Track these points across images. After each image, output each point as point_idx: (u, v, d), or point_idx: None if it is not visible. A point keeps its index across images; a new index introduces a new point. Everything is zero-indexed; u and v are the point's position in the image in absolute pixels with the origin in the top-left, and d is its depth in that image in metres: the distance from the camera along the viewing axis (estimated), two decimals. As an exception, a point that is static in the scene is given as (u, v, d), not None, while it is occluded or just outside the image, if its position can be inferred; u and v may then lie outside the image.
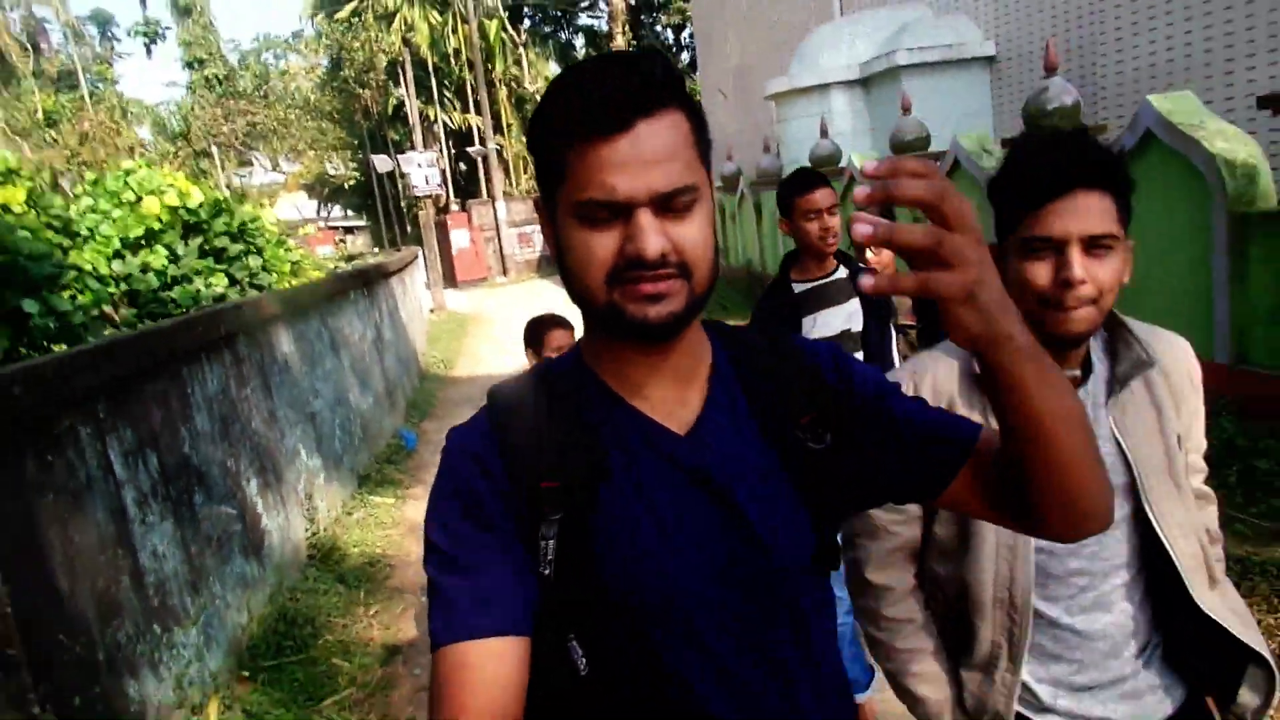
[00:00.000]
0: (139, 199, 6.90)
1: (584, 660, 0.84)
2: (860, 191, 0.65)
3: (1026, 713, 1.27)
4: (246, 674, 3.26)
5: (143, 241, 6.69)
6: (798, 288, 2.58)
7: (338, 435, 5.57)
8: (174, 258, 6.80)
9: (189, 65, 25.02)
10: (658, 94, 0.79)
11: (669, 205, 0.78)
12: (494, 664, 0.78)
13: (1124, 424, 1.25)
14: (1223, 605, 1.26)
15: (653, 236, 0.77)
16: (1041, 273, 1.16)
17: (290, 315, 5.12)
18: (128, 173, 7.09)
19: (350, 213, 37.97)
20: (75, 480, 2.55)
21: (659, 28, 30.01)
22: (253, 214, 7.56)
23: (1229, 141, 4.67)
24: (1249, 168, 4.59)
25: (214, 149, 21.40)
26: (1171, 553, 1.23)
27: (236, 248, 7.20)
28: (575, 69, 0.81)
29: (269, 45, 37.97)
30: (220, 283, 6.92)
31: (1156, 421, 1.27)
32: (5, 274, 4.27)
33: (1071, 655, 1.26)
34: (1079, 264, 1.14)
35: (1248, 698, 1.28)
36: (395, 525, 5.12)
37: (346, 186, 28.84)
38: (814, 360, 0.97)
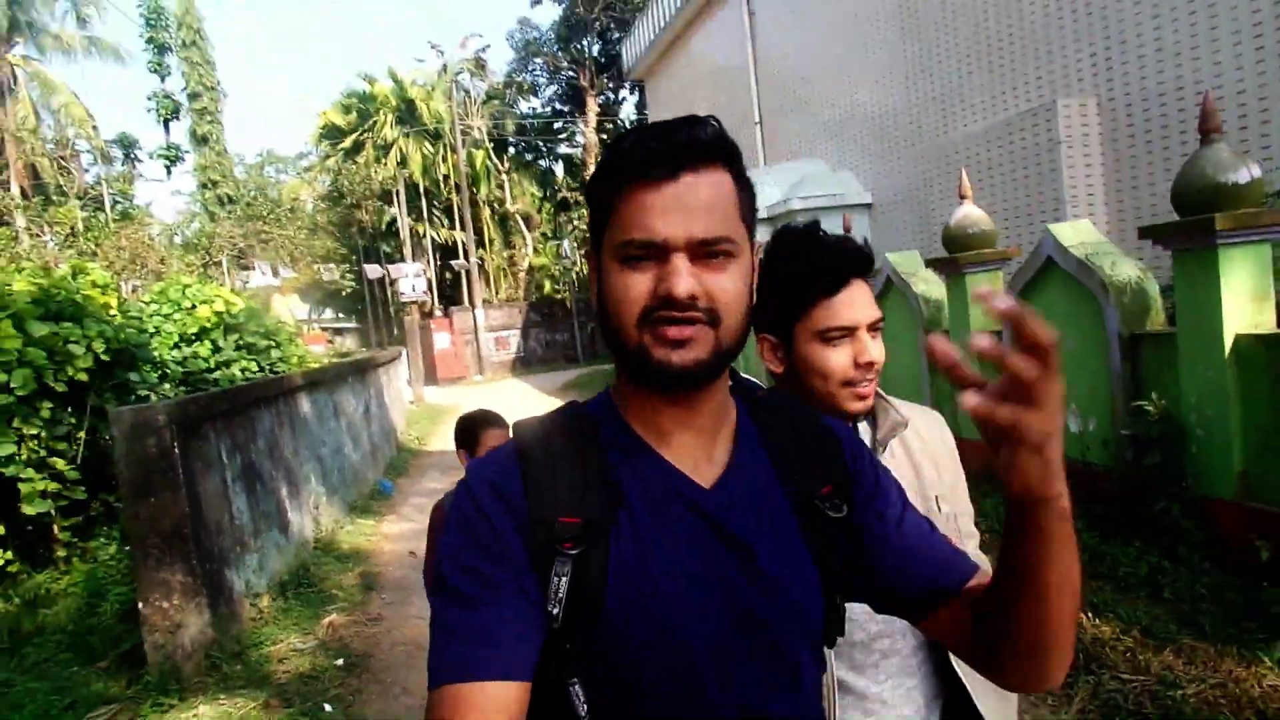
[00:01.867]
0: (193, 306, 9.31)
1: (584, 705, 0.83)
2: (997, 302, 0.64)
3: None
4: (280, 593, 5.43)
5: (195, 336, 9.06)
6: None
7: (335, 474, 7.82)
8: (216, 349, 9.16)
9: (203, 186, 28.19)
10: (706, 151, 0.84)
11: (705, 254, 0.82)
12: (494, 708, 0.77)
13: None
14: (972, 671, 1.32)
15: (684, 278, 0.81)
16: (840, 357, 1.29)
17: (309, 387, 7.45)
18: (185, 286, 9.52)
19: (340, 315, 40.70)
20: (208, 457, 4.84)
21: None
22: (276, 318, 10.00)
23: (927, 284, 7.19)
24: (937, 300, 7.09)
25: (223, 259, 24.05)
26: None
27: (264, 343, 9.59)
28: (635, 128, 0.88)
29: (271, 160, 41.57)
30: (251, 368, 9.27)
31: (916, 483, 1.39)
32: (120, 357, 6.61)
33: None
34: (872, 346, 1.30)
35: None
36: (375, 535, 7.33)
37: (344, 293, 31.64)
38: (834, 436, 1.00)
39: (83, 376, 5.97)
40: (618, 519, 0.86)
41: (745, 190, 0.88)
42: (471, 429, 2.74)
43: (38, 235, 17.68)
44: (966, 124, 11.24)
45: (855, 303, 1.29)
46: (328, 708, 3.95)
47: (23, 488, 5.58)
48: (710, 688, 0.85)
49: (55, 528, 6.08)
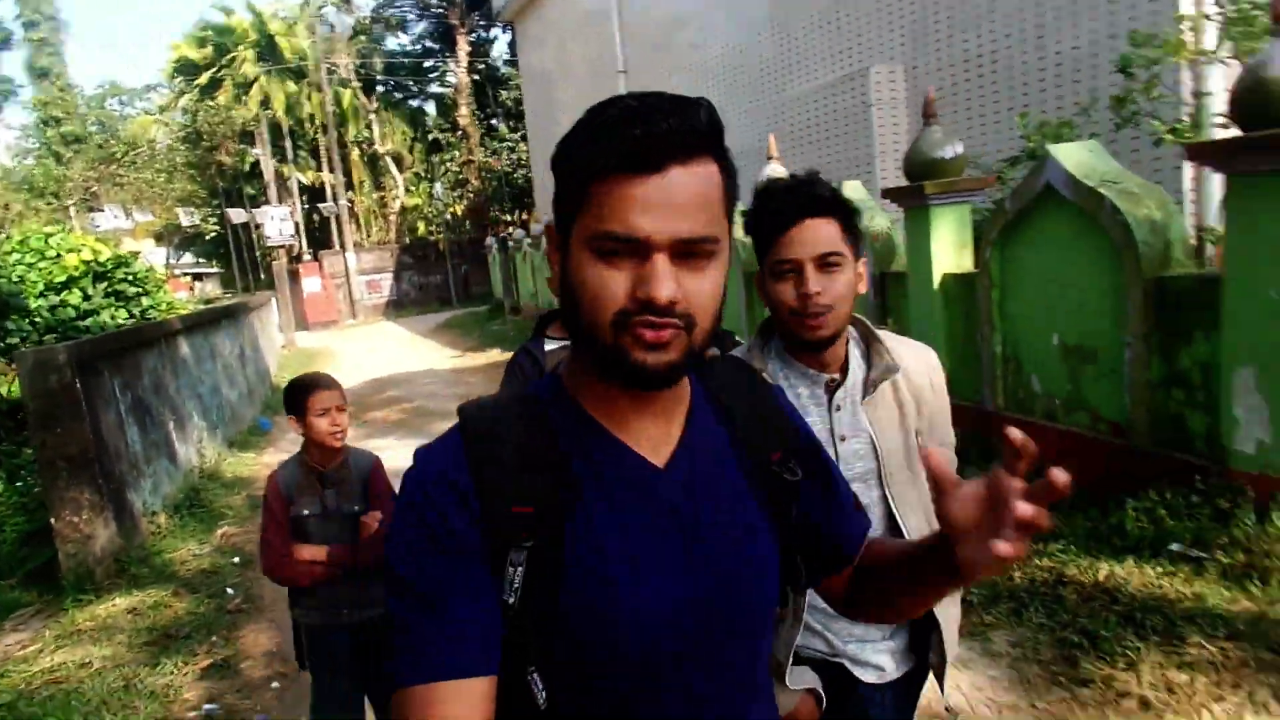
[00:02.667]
0: (58, 255, 9.45)
1: (544, 694, 0.83)
2: (1016, 436, 0.76)
3: (823, 654, 1.58)
4: (175, 513, 6.12)
5: (62, 285, 9.25)
6: (549, 345, 2.45)
7: (215, 411, 8.39)
8: (86, 297, 9.38)
9: (44, 123, 26.48)
10: (697, 141, 0.80)
11: (687, 254, 0.79)
12: (463, 705, 0.78)
13: (874, 419, 1.55)
14: None
15: (666, 282, 0.78)
16: (788, 290, 1.45)
17: (186, 331, 7.96)
18: (48, 235, 9.63)
19: (201, 260, 39.13)
20: (104, 393, 5.45)
21: (502, 99, 33.46)
22: (146, 266, 10.23)
23: (739, 235, 8.36)
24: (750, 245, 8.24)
25: (71, 203, 22.97)
26: (903, 528, 1.54)
27: (133, 290, 9.84)
28: (617, 102, 0.81)
29: (114, 92, 38.95)
30: (121, 315, 9.54)
31: (899, 418, 1.58)
32: (-3, 306, 6.96)
33: (841, 619, 1.53)
34: (814, 280, 1.42)
35: (933, 658, 1.64)
36: (257, 465, 8.00)
37: (207, 237, 30.65)
38: (780, 402, 1.05)
39: (-41, 325, 6.35)
40: (573, 507, 0.85)
41: (730, 179, 0.85)
42: (298, 393, 2.61)
43: None
44: (803, 83, 12.42)
45: (799, 240, 1.41)
46: (230, 591, 4.77)
47: (-90, 428, 6.01)
48: (671, 671, 0.86)
49: (-60, 469, 6.49)
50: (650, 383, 0.82)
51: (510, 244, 20.26)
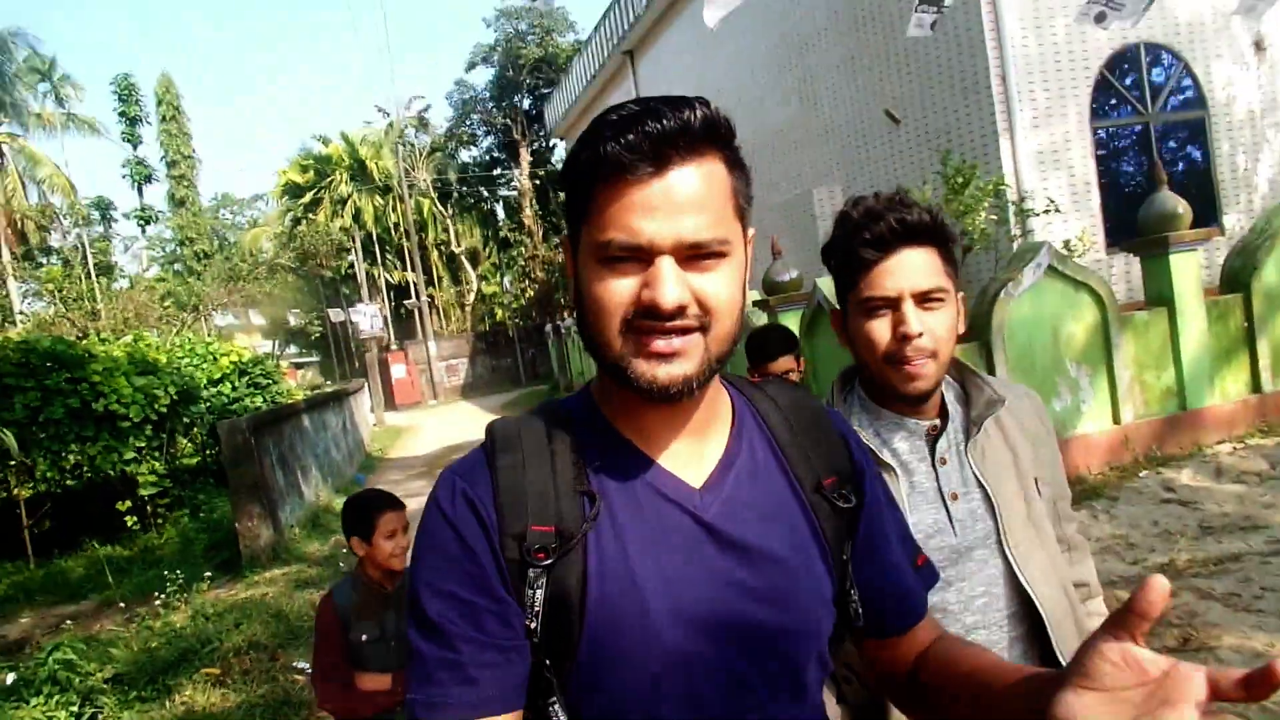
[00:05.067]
0: (215, 358, 13.07)
1: None
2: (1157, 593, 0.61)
3: None
4: (303, 527, 9.28)
5: (219, 379, 12.83)
6: None
7: (327, 466, 11.70)
8: (234, 387, 12.94)
9: (181, 244, 31.78)
10: (697, 138, 0.76)
11: (695, 257, 0.76)
12: None
13: (984, 468, 1.31)
14: None
15: (671, 286, 0.74)
16: (881, 330, 1.24)
17: (307, 409, 11.33)
18: (208, 343, 13.29)
19: (303, 350, 44.22)
20: (264, 448, 8.71)
21: (561, 200, 37.45)
22: (274, 363, 13.84)
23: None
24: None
25: (203, 310, 27.57)
26: (1035, 600, 1.26)
27: (264, 381, 13.40)
28: (618, 108, 0.79)
29: (226, 203, 44.95)
30: (258, 400, 13.06)
31: (1013, 464, 1.34)
32: (184, 396, 10.40)
33: None
34: (914, 318, 1.21)
35: None
36: (354, 504, 11.21)
37: (312, 336, 35.36)
38: (836, 426, 0.97)
39: (164, 409, 9.80)
40: (595, 525, 0.81)
41: (740, 177, 0.82)
42: (365, 513, 2.53)
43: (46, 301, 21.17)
44: (776, 197, 15.45)
45: (898, 271, 1.23)
46: (342, 565, 7.82)
47: (140, 478, 9.43)
48: (707, 699, 0.82)
49: (148, 507, 9.88)
50: (663, 396, 0.79)
51: (563, 330, 23.55)
